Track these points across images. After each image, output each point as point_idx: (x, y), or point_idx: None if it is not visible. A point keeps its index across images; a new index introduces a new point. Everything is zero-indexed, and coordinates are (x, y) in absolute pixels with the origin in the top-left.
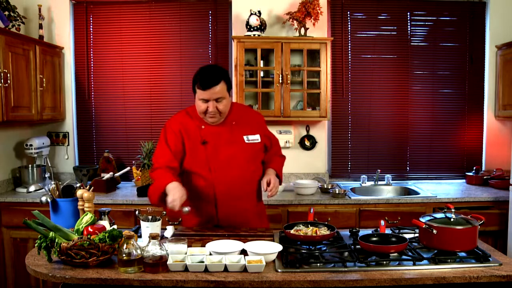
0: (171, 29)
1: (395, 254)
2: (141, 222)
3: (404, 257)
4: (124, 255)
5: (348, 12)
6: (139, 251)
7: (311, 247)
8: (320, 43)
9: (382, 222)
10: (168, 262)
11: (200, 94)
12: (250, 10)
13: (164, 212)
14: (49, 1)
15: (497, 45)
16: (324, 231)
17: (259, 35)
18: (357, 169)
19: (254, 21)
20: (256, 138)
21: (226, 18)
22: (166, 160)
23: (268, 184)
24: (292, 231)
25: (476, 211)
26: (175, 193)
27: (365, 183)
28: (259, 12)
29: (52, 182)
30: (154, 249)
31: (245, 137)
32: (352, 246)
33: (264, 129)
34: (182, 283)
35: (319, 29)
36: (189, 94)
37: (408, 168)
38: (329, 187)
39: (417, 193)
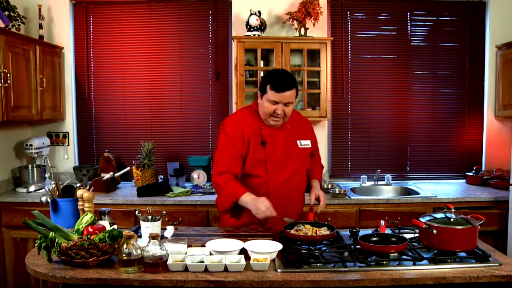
0: (171, 29)
1: (395, 254)
2: (141, 222)
3: (404, 257)
4: (124, 255)
5: (348, 12)
6: (139, 251)
7: (311, 247)
8: (320, 43)
9: (382, 222)
10: (168, 262)
11: (271, 95)
12: (250, 10)
13: (164, 212)
14: (49, 1)
15: (497, 45)
16: (324, 231)
17: (259, 35)
18: (357, 169)
19: (254, 21)
20: (307, 143)
21: (226, 18)
22: (234, 161)
23: (317, 199)
24: (292, 231)
25: (476, 211)
26: (263, 201)
27: (365, 183)
28: (259, 12)
29: (52, 182)
30: (154, 249)
31: (298, 142)
32: (352, 246)
33: (313, 135)
34: (182, 283)
35: (319, 29)
36: (189, 94)
37: (408, 168)
38: (329, 187)
39: (417, 193)
